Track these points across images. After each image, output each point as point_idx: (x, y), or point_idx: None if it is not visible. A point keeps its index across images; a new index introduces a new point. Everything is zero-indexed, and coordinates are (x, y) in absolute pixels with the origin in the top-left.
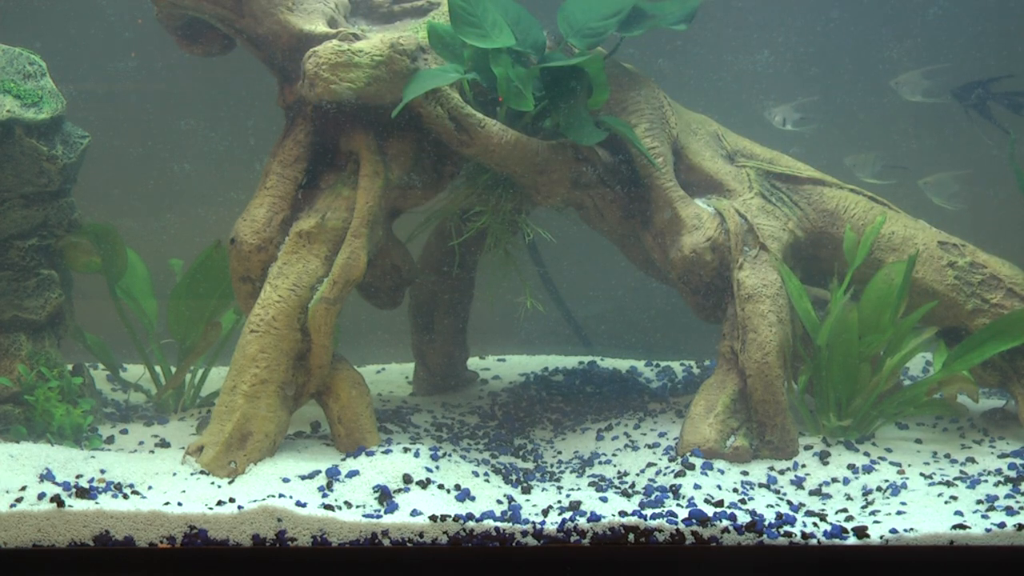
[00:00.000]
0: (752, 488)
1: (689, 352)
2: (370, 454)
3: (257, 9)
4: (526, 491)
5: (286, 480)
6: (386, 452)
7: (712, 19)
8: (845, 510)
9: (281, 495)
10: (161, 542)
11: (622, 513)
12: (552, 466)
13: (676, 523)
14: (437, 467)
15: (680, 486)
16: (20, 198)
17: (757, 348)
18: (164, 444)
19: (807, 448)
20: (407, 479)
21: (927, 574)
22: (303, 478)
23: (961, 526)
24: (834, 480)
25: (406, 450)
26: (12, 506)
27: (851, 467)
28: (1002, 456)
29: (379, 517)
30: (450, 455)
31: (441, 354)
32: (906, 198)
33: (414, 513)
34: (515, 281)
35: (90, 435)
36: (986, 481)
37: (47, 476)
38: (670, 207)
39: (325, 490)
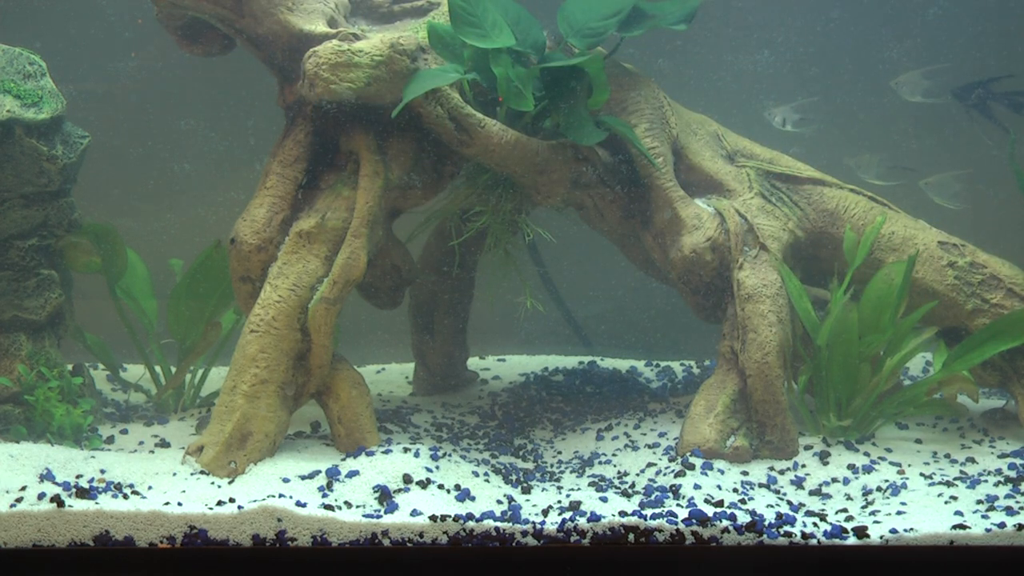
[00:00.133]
0: (752, 488)
1: (689, 352)
2: (370, 454)
3: (257, 9)
4: (526, 491)
5: (286, 480)
6: (386, 452)
7: (712, 19)
8: (845, 510)
9: (281, 495)
10: (161, 542)
11: (622, 513)
12: (552, 466)
13: (676, 523)
14: (437, 467)
15: (680, 486)
16: (20, 198)
17: (757, 348)
18: (164, 444)
19: (807, 448)
20: (407, 479)
21: (927, 574)
22: (303, 478)
23: (961, 526)
24: (834, 480)
25: (406, 450)
26: (12, 506)
27: (851, 467)
28: (1002, 456)
29: (379, 517)
30: (450, 455)
31: (441, 354)
32: (906, 198)
33: (414, 513)
34: (515, 281)
35: (90, 435)
36: (986, 481)
37: (47, 476)
38: (670, 207)
39: (325, 490)
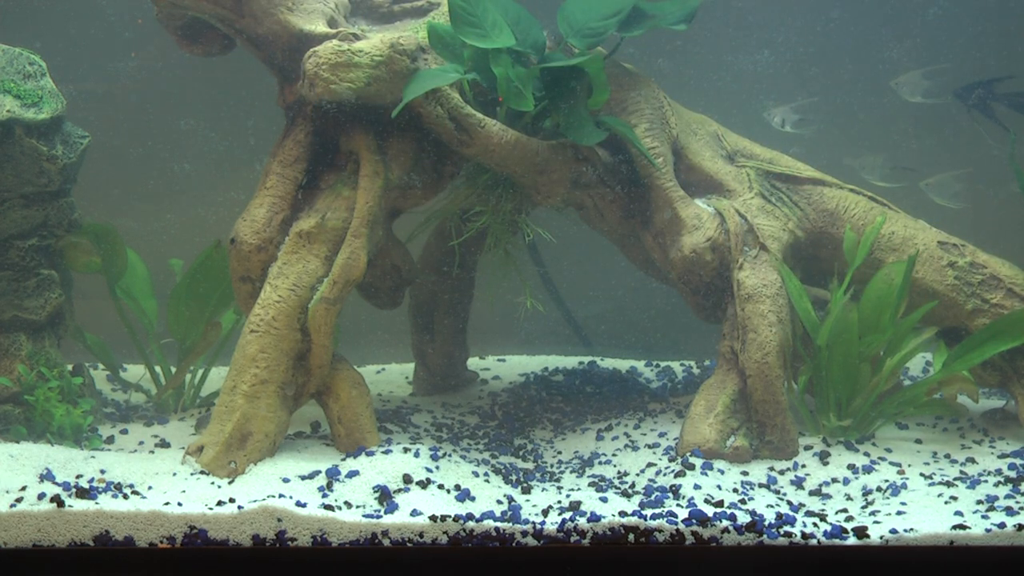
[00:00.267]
0: (752, 488)
1: (689, 352)
2: (370, 454)
3: (257, 9)
4: (526, 491)
5: (286, 480)
6: (386, 452)
7: (712, 19)
8: (845, 510)
9: (281, 495)
10: (161, 542)
11: (622, 513)
12: (552, 466)
13: (676, 523)
14: (437, 467)
15: (680, 486)
16: (20, 198)
17: (757, 348)
18: (164, 444)
19: (807, 448)
20: (407, 479)
21: (927, 574)
22: (303, 478)
23: (961, 526)
24: (834, 480)
25: (406, 450)
26: (12, 506)
27: (851, 467)
28: (1002, 456)
29: (379, 517)
30: (450, 455)
31: (441, 354)
32: (906, 198)
33: (414, 513)
34: (515, 281)
35: (90, 435)
36: (986, 481)
37: (47, 476)
38: (670, 207)
39: (325, 490)
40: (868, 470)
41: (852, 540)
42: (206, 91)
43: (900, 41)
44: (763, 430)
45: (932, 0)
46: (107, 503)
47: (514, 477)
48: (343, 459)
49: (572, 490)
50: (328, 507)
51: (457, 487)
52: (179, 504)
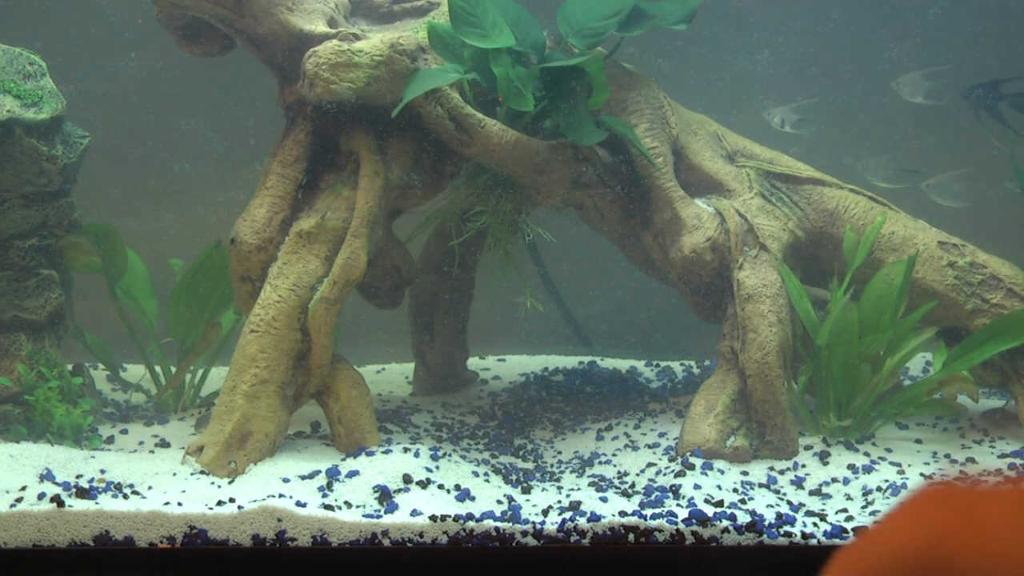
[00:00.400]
0: (752, 488)
1: (689, 352)
2: (370, 454)
3: (257, 9)
4: (526, 491)
5: (286, 480)
6: (386, 452)
7: (712, 19)
8: (845, 510)
9: (281, 495)
10: (161, 542)
11: (622, 513)
12: (552, 466)
13: (676, 523)
14: (437, 467)
15: (680, 486)
16: (20, 198)
17: (757, 348)
18: (164, 444)
19: (807, 448)
20: (407, 479)
21: None
22: (303, 478)
23: None
24: (834, 480)
25: (406, 450)
26: (12, 506)
27: (851, 467)
28: (1002, 456)
29: (379, 517)
30: (450, 455)
31: (441, 354)
32: (906, 198)
33: (414, 513)
34: (515, 281)
35: (90, 435)
36: (986, 481)
37: (47, 476)
38: (670, 207)
39: (325, 490)
40: (868, 470)
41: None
42: (206, 91)
43: (900, 41)
44: (763, 430)
45: (932, 0)
46: (107, 503)
47: (514, 477)
48: (343, 459)
49: (572, 490)
50: (328, 507)
51: (457, 487)
52: (179, 504)
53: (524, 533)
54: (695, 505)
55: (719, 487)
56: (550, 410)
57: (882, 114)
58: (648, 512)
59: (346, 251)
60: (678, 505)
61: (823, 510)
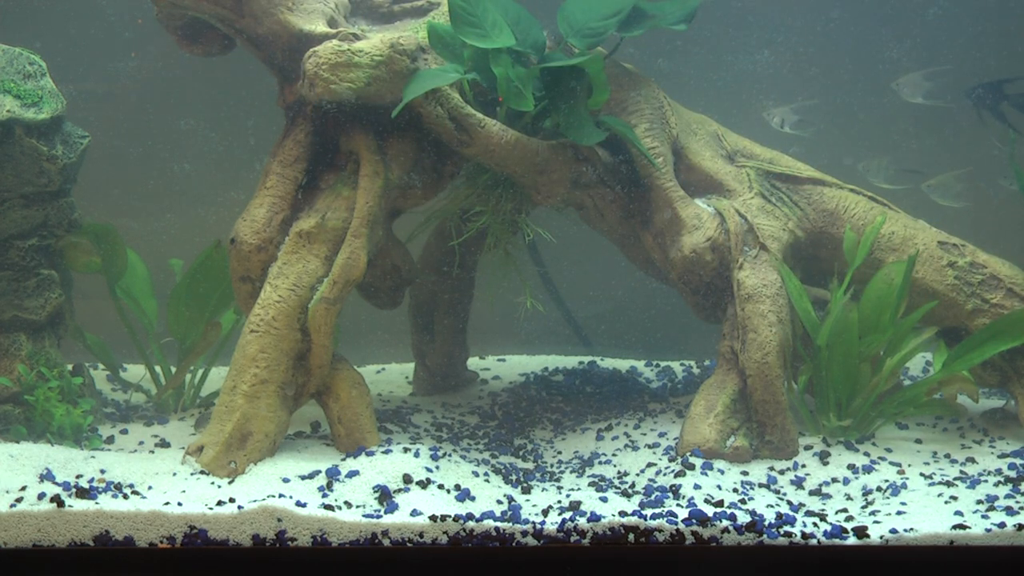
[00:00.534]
0: (752, 488)
1: (689, 352)
2: (370, 454)
3: (257, 9)
4: (526, 491)
5: (286, 480)
6: (386, 452)
7: (712, 19)
8: (845, 510)
9: (281, 495)
10: (161, 542)
11: (622, 513)
12: (552, 466)
13: (676, 523)
14: (437, 467)
15: (680, 486)
16: (20, 198)
17: (757, 348)
18: (164, 444)
19: (807, 448)
20: (407, 479)
21: (927, 574)
22: (303, 478)
23: (961, 526)
24: (834, 480)
25: (406, 450)
26: (12, 506)
27: (851, 467)
28: (1002, 456)
29: (379, 517)
30: (450, 455)
31: (441, 354)
32: (905, 198)
33: (414, 513)
34: (515, 281)
35: (90, 435)
36: (986, 481)
37: (47, 476)
38: (670, 207)
39: (325, 490)
40: (868, 470)
41: (852, 540)
42: (206, 91)
43: (900, 41)
44: (763, 430)
45: (932, 0)
46: (107, 503)
47: (514, 477)
48: (343, 459)
49: (572, 490)
50: (328, 507)
51: (457, 487)
52: (179, 504)
53: (524, 533)
54: (695, 505)
55: (719, 487)
56: (550, 410)
57: (882, 114)
58: (648, 512)
59: (346, 251)
60: (678, 505)
61: (823, 510)
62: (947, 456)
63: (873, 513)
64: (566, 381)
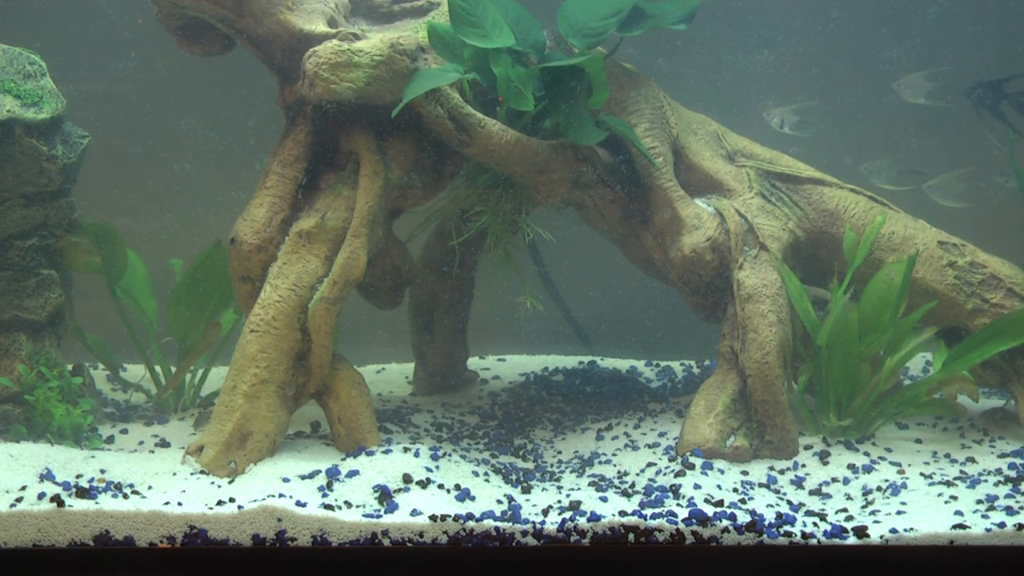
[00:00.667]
0: (752, 488)
1: (689, 352)
2: (370, 454)
3: (257, 9)
4: (526, 491)
5: (286, 480)
6: (386, 452)
7: (712, 19)
8: (845, 510)
9: (281, 495)
10: (161, 542)
11: (622, 513)
12: (552, 466)
13: (676, 523)
14: (437, 467)
15: (680, 486)
16: (20, 198)
17: (757, 348)
18: (164, 444)
19: (807, 448)
20: (407, 479)
21: (927, 574)
22: (303, 478)
23: (961, 526)
24: (834, 480)
25: (406, 450)
26: (12, 506)
27: (851, 467)
28: (1002, 456)
29: (379, 517)
30: (450, 455)
31: (441, 354)
32: (905, 198)
33: (414, 513)
34: (515, 281)
35: (90, 435)
36: (986, 481)
37: (47, 476)
38: (670, 207)
39: (325, 490)
40: (868, 470)
41: (852, 540)
42: (206, 91)
43: (900, 41)
44: (763, 430)
45: (932, 0)
46: (107, 503)
47: (514, 477)
48: (343, 459)
49: (572, 490)
50: (328, 507)
51: (457, 487)
52: (179, 504)
53: (524, 533)
54: (695, 505)
55: (719, 487)
56: (550, 410)
57: (882, 114)
58: (648, 512)
59: (346, 251)
60: (678, 505)
61: (823, 510)
62: (947, 456)
63: (873, 513)
64: (566, 381)
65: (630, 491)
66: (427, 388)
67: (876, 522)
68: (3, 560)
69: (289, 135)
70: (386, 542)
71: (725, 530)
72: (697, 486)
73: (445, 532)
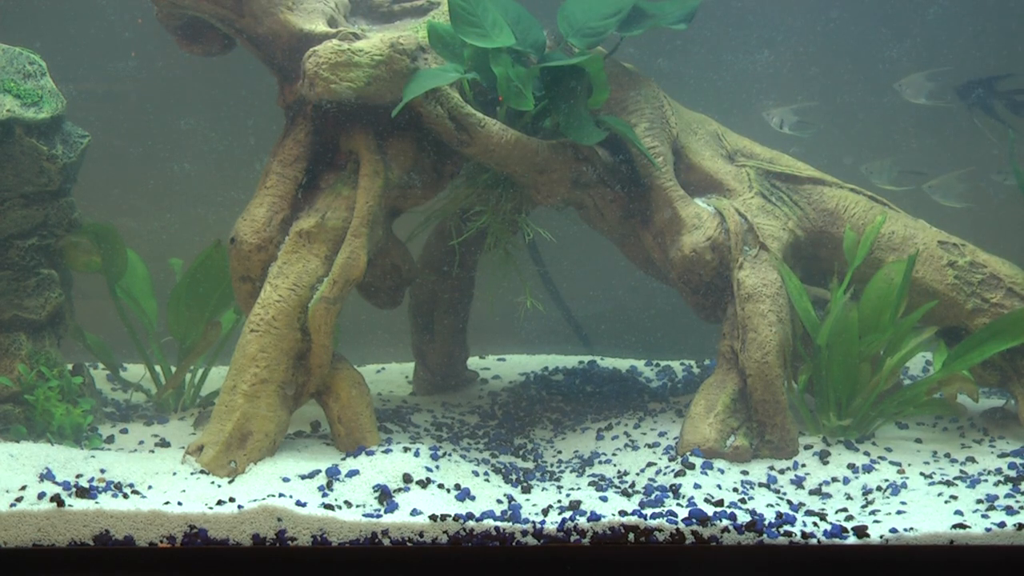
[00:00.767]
0: (752, 488)
1: (689, 352)
2: (370, 453)
3: (257, 9)
4: (526, 491)
5: (286, 480)
6: (386, 452)
7: (712, 19)
8: (845, 509)
9: (281, 495)
10: (161, 542)
11: (622, 512)
12: (552, 465)
13: (676, 523)
14: (437, 467)
15: (680, 485)
16: (20, 198)
17: (757, 348)
18: (164, 444)
19: (807, 448)
20: (407, 478)
21: (927, 574)
22: (303, 477)
23: (961, 526)
24: (834, 480)
25: (406, 449)
26: (12, 506)
27: (851, 467)
28: (1002, 456)
29: (379, 517)
30: (450, 455)
31: (441, 354)
32: (905, 197)
33: (414, 512)
34: (515, 281)
35: (90, 435)
36: (986, 481)
37: (47, 476)
38: (670, 207)
39: (325, 489)
40: (868, 469)
41: (852, 539)
42: (206, 91)
43: (900, 41)
44: (763, 429)
45: (932, 0)
46: (107, 503)
47: (514, 476)
48: (343, 458)
49: (572, 489)
50: (328, 506)
51: (457, 486)
52: (179, 504)
53: (524, 533)
54: (695, 504)
55: (719, 486)
56: (550, 410)
57: (882, 114)
58: (648, 512)
59: (346, 251)
60: (678, 504)
61: (823, 509)
62: (947, 455)
63: (873, 512)
64: (566, 381)
65: (630, 491)
66: (427, 388)
67: (876, 522)
68: (3, 560)
69: (289, 135)
70: (386, 542)
71: (725, 530)
72: (697, 486)
73: (445, 532)
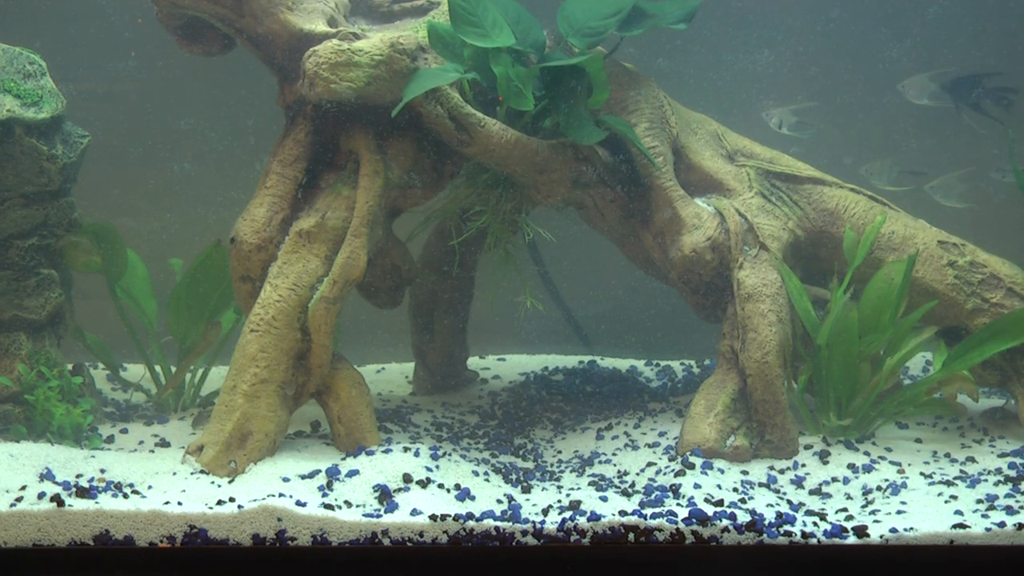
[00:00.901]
0: (752, 487)
1: (689, 352)
2: (370, 453)
3: (257, 9)
4: (526, 490)
5: (286, 479)
6: (386, 451)
7: (712, 19)
8: (845, 509)
9: (281, 494)
10: (161, 541)
11: (622, 512)
12: (552, 465)
13: (676, 522)
14: (437, 466)
15: (680, 485)
16: (20, 198)
17: (757, 347)
18: (164, 444)
19: (807, 447)
20: (407, 478)
21: (927, 574)
22: (303, 477)
23: (961, 525)
24: (834, 479)
25: (406, 449)
26: (12, 506)
27: (851, 466)
28: (1002, 455)
29: (379, 516)
30: (450, 454)
31: (441, 354)
32: (905, 197)
33: (414, 512)
34: (515, 281)
35: (90, 435)
36: (986, 480)
37: (47, 476)
38: (670, 206)
39: (325, 489)
40: (868, 469)
41: (852, 539)
42: (206, 91)
43: (900, 41)
44: (763, 429)
45: (932, 0)
46: (107, 502)
47: (514, 476)
48: (343, 458)
49: (572, 489)
50: (328, 506)
51: (457, 486)
52: (179, 503)
53: (524, 532)
54: (695, 504)
55: (719, 486)
56: (550, 409)
57: (882, 114)
58: (648, 511)
59: (346, 251)
60: (678, 504)
61: (823, 509)
62: (947, 455)
63: (873, 512)
64: (566, 381)
65: (630, 491)
66: (427, 388)
67: (876, 522)
68: (3, 560)
69: (289, 135)
70: (386, 542)
71: (725, 530)
72: (697, 486)
73: (445, 532)
